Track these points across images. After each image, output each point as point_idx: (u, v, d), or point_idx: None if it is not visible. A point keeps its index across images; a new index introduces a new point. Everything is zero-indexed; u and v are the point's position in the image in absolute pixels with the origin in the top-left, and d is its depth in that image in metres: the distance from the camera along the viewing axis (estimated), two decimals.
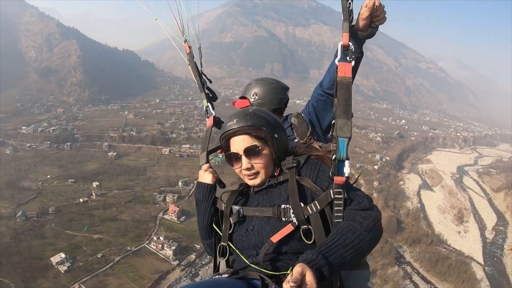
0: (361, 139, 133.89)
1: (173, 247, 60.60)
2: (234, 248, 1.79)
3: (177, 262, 58.64)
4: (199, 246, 62.71)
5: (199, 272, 57.85)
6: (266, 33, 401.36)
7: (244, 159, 1.72)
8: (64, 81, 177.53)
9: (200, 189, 2.04)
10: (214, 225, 1.95)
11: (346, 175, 1.55)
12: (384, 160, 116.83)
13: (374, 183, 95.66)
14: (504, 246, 79.11)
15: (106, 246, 60.33)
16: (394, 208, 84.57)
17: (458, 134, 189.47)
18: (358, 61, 1.96)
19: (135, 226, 67.57)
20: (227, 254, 1.82)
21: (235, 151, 1.75)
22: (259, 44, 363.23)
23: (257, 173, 1.75)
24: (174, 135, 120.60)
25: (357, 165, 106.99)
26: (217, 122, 2.47)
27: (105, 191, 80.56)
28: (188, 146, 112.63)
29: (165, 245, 61.29)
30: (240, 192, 1.93)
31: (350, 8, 1.73)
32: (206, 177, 2.06)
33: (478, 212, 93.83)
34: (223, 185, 2.12)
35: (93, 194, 78.56)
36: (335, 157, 1.57)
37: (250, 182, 1.79)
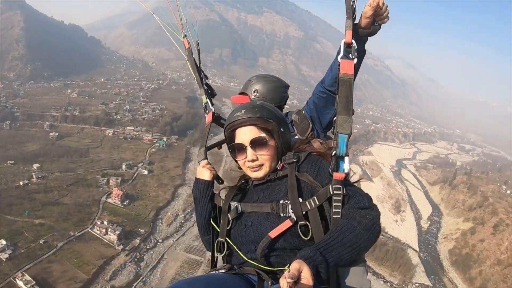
0: None
1: (117, 232, 59.17)
2: (232, 243, 1.77)
3: (121, 247, 57.44)
4: (143, 231, 62.58)
5: (144, 257, 57.28)
6: (218, 17, 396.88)
7: (249, 150, 1.70)
8: (6, 55, 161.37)
9: (198, 186, 1.99)
10: (212, 221, 1.93)
11: (346, 171, 1.56)
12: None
13: None
14: (438, 235, 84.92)
15: (48, 231, 57.44)
16: None
17: (399, 129, 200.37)
18: (360, 59, 1.96)
19: (78, 210, 65.15)
20: (225, 249, 1.79)
21: (240, 142, 1.73)
22: (210, 28, 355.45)
23: (261, 166, 1.73)
24: (118, 117, 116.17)
25: None
26: (216, 118, 2.45)
27: (46, 173, 75.98)
28: (132, 128, 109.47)
29: (109, 229, 59.61)
30: (239, 188, 1.91)
31: (354, 7, 1.73)
32: (204, 173, 1.99)
33: (415, 203, 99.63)
34: (221, 181, 2.09)
35: (34, 176, 73.87)
36: (334, 153, 1.58)
37: (253, 175, 1.76)
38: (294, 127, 2.63)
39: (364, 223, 1.47)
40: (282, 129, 1.74)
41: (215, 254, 1.87)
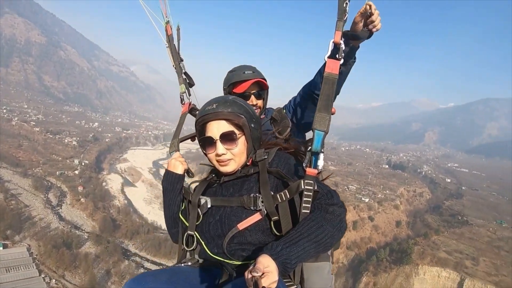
0: (57, 144, 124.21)
1: None
2: (199, 238, 1.78)
3: None
4: None
5: None
6: None
7: (219, 144, 1.68)
8: None
9: (168, 178, 1.98)
10: (180, 215, 1.94)
11: (320, 168, 1.58)
12: (83, 164, 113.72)
13: (79, 188, 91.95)
14: None
15: None
16: (104, 209, 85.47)
17: (150, 132, 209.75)
18: (349, 65, 2.05)
19: None
20: (194, 243, 1.81)
21: (210, 135, 1.70)
22: None
23: (230, 160, 1.71)
24: None
25: (57, 172, 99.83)
26: (192, 109, 2.45)
27: None
28: None
29: None
30: (209, 182, 1.90)
31: (346, 8, 1.69)
32: (176, 166, 2.00)
33: None
34: (191, 175, 2.10)
35: None
36: (310, 149, 1.60)
37: (222, 169, 1.74)
38: (272, 124, 2.50)
39: (331, 219, 1.47)
40: (252, 125, 1.71)
41: (184, 247, 1.86)
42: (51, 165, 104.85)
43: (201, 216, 1.78)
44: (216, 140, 1.68)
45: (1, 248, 60.52)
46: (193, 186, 1.96)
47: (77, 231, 73.51)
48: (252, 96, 2.60)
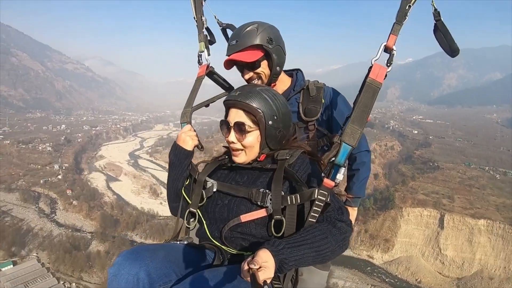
0: (32, 153, 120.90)
1: None
2: (202, 217, 1.73)
3: None
4: None
5: None
6: None
7: (232, 131, 1.66)
8: None
9: (177, 153, 1.87)
10: (183, 191, 1.87)
11: (338, 181, 1.52)
12: (64, 167, 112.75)
13: (68, 192, 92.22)
14: None
15: None
16: (98, 207, 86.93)
17: (118, 126, 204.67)
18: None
19: None
20: (195, 222, 1.79)
21: (227, 120, 1.69)
22: None
23: (240, 151, 1.68)
24: None
25: (41, 181, 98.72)
26: (211, 73, 2.24)
27: None
28: None
29: None
30: (219, 165, 1.85)
31: (408, 12, 1.59)
32: (186, 142, 1.87)
33: (165, 182, 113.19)
34: (202, 148, 1.98)
35: None
36: (333, 160, 1.54)
37: (233, 158, 1.72)
38: (299, 105, 2.17)
39: (336, 234, 1.44)
40: (270, 122, 1.62)
41: (184, 224, 1.81)
42: (33, 175, 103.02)
43: (205, 199, 1.75)
44: (231, 127, 1.67)
45: (12, 266, 60.86)
46: (201, 166, 1.91)
47: (79, 233, 74.89)
48: (245, 70, 2.11)
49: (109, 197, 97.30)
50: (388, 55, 1.60)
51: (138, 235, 76.56)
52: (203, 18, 2.24)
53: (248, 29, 2.01)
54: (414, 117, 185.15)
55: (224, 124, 1.71)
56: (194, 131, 1.95)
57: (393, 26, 1.59)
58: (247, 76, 2.12)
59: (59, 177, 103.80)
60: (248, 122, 1.63)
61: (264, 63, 2.08)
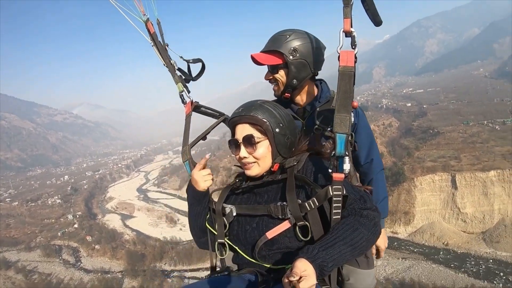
0: (43, 209, 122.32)
1: None
2: (232, 245, 1.73)
3: None
4: None
5: None
6: None
7: (242, 147, 1.67)
8: None
9: (194, 195, 1.86)
10: (207, 224, 1.85)
11: (346, 171, 1.53)
12: (78, 216, 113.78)
13: (88, 238, 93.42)
14: None
15: None
16: (122, 246, 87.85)
17: (119, 165, 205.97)
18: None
19: None
20: (227, 251, 1.75)
21: (236, 138, 1.71)
22: None
23: (253, 164, 1.69)
24: None
25: (59, 233, 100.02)
26: (197, 107, 2.27)
27: None
28: None
29: None
30: (232, 189, 1.86)
31: None
32: (199, 183, 1.82)
33: (179, 209, 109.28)
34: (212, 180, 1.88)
35: None
36: (333, 153, 1.55)
37: (247, 172, 1.72)
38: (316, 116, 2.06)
39: (365, 223, 1.44)
40: (277, 130, 1.65)
41: (217, 256, 1.80)
42: (49, 229, 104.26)
43: (227, 225, 1.75)
44: (240, 143, 1.68)
45: None
46: (216, 194, 1.92)
47: (109, 275, 75.45)
48: (268, 70, 2.17)
49: (128, 235, 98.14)
50: (350, 38, 1.62)
51: (167, 263, 77.46)
52: (171, 61, 2.28)
53: (281, 34, 2.08)
54: (404, 91, 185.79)
55: (233, 143, 1.73)
56: (204, 167, 1.86)
57: (343, 10, 1.60)
58: (266, 77, 2.19)
59: (75, 226, 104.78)
60: (256, 133, 1.65)
61: (282, 71, 2.11)
